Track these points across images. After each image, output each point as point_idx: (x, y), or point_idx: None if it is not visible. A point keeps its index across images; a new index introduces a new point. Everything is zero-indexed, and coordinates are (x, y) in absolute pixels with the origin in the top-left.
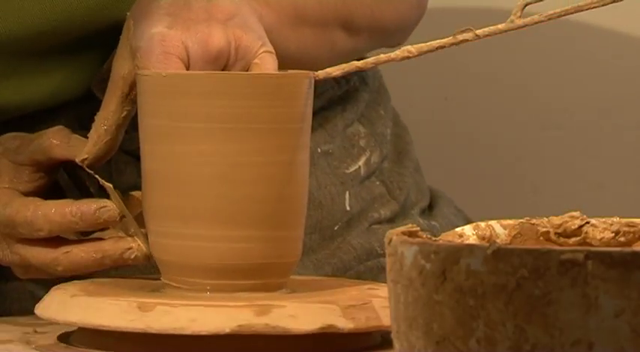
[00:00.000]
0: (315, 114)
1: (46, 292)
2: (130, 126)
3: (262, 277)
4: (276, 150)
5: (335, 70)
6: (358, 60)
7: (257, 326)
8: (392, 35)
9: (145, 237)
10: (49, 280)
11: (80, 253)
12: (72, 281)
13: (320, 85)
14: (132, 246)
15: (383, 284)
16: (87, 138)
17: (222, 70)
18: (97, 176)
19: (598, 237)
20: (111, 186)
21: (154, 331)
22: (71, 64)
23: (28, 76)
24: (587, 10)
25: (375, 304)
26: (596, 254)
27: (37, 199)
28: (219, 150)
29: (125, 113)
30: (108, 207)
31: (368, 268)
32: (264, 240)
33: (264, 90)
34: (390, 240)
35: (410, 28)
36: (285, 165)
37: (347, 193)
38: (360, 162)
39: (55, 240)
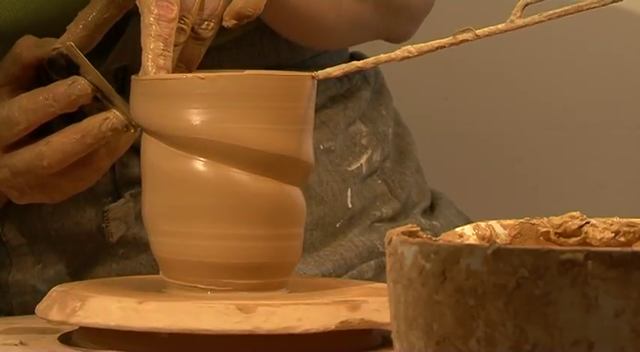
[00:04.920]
0: (317, 111)
1: (48, 286)
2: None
3: (263, 276)
4: (278, 151)
5: (335, 70)
6: (358, 60)
7: (354, 322)
8: (396, 14)
9: (126, 107)
10: (50, 277)
11: (61, 139)
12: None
13: (322, 83)
14: (108, 116)
15: (384, 283)
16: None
17: None
18: (60, 48)
19: (598, 237)
20: (72, 44)
21: (263, 332)
22: None
23: None
24: (587, 10)
25: (375, 303)
26: (596, 254)
27: (11, 99)
28: (220, 151)
29: (108, 15)
30: (78, 80)
31: (370, 266)
32: (266, 240)
33: (266, 91)
34: (390, 240)
35: (415, 18)
36: (287, 166)
37: (349, 191)
38: (362, 161)
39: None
